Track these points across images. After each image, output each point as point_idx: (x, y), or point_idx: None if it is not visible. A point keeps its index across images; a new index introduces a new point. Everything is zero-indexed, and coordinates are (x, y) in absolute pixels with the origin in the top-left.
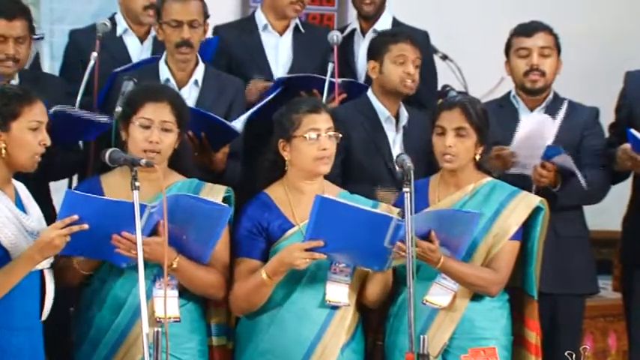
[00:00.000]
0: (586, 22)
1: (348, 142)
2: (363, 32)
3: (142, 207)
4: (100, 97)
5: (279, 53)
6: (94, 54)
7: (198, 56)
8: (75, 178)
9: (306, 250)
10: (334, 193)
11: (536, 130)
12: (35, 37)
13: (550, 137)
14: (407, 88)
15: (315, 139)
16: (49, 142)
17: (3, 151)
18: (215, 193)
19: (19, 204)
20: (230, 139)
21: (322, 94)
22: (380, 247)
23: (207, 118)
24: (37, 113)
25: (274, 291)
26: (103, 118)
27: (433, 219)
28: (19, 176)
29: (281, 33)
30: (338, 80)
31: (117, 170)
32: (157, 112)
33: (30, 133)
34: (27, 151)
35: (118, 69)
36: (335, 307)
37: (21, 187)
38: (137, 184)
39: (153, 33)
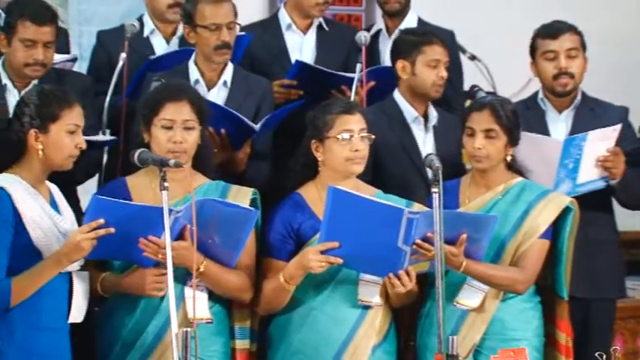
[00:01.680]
0: (608, 18)
1: (375, 146)
2: (389, 32)
3: (168, 211)
4: (130, 86)
5: (302, 52)
6: (123, 55)
7: None
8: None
9: (322, 252)
10: (370, 193)
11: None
12: (69, 58)
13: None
14: (437, 92)
15: (348, 140)
16: (84, 146)
17: (40, 152)
18: (242, 196)
19: (54, 204)
20: (248, 136)
21: (350, 90)
22: (394, 246)
23: (224, 112)
24: (75, 117)
25: (306, 291)
26: (108, 138)
27: (451, 221)
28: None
29: (305, 32)
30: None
31: (142, 171)
32: (178, 112)
33: (67, 136)
34: (63, 154)
35: (153, 56)
36: (367, 308)
37: (55, 189)
38: (166, 184)
39: (179, 33)
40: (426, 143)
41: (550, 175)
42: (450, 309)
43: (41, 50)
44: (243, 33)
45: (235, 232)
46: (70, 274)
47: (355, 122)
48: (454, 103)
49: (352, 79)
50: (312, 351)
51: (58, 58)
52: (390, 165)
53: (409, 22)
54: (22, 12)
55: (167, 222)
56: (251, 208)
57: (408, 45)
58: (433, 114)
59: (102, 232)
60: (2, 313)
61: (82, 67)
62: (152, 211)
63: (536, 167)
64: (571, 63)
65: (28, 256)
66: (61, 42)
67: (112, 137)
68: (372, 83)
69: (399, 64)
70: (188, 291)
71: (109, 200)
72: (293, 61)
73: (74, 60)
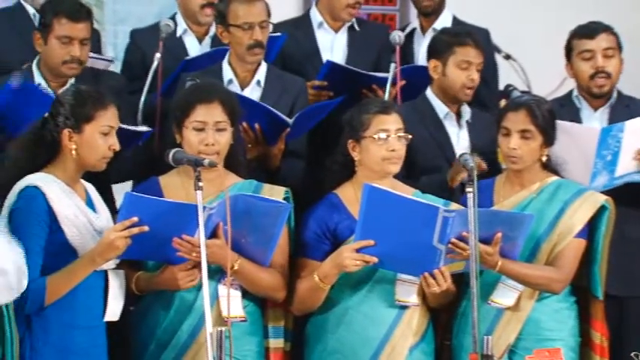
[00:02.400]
0: None
1: (409, 144)
2: (423, 31)
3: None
4: (164, 86)
5: (334, 51)
6: (158, 55)
7: None
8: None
9: (357, 251)
10: (407, 193)
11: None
12: (106, 58)
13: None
14: (466, 95)
15: (385, 140)
16: (118, 147)
17: (73, 152)
18: (275, 195)
19: (90, 203)
20: (282, 130)
21: (381, 89)
22: (429, 245)
23: (257, 107)
24: (109, 118)
25: (343, 291)
26: (144, 128)
27: (486, 219)
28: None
29: (336, 31)
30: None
31: (174, 171)
32: (210, 114)
33: (101, 137)
34: (96, 154)
35: (188, 57)
36: (404, 307)
37: (91, 187)
38: (201, 184)
39: (211, 33)
40: (460, 139)
41: (586, 165)
42: (485, 308)
43: (77, 47)
44: (277, 34)
45: (268, 227)
46: (105, 272)
47: (392, 122)
48: (489, 102)
49: (383, 78)
50: (349, 351)
51: (94, 60)
52: (424, 162)
53: (444, 21)
54: (58, 9)
55: (202, 221)
56: (283, 202)
57: (442, 45)
58: (466, 110)
59: (135, 230)
60: (37, 312)
61: (117, 67)
62: (185, 208)
63: (571, 157)
64: (607, 63)
65: (64, 254)
66: (94, 43)
67: (148, 129)
68: (403, 82)
69: (432, 63)
70: (222, 289)
71: (142, 197)
72: (324, 60)
73: (111, 61)
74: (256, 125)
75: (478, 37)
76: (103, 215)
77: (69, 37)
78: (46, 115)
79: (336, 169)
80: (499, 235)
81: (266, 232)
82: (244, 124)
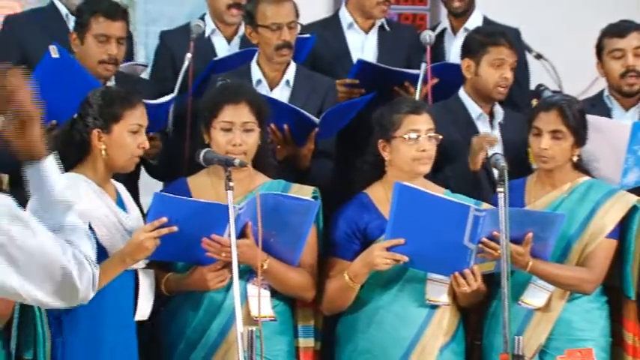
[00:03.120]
0: None
1: (440, 144)
2: (454, 31)
3: (228, 209)
4: (194, 86)
5: (364, 52)
6: (188, 55)
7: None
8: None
9: (388, 249)
10: (438, 192)
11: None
12: (140, 64)
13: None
14: (500, 94)
15: (415, 140)
16: (147, 145)
17: (103, 152)
18: (303, 194)
19: (120, 203)
20: (310, 130)
21: (413, 86)
22: (459, 244)
23: (284, 108)
24: (138, 116)
25: (374, 291)
26: (167, 98)
27: (517, 219)
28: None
29: (366, 31)
30: (432, 81)
31: (203, 171)
32: (237, 114)
33: (130, 136)
34: (126, 153)
35: (218, 58)
36: (434, 307)
37: (121, 187)
38: (231, 184)
39: (240, 33)
40: None
41: (617, 161)
42: (515, 309)
43: (114, 45)
44: (307, 35)
45: (297, 225)
46: (136, 271)
47: (422, 122)
48: (520, 102)
49: (415, 75)
50: (379, 351)
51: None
52: (455, 163)
53: (474, 20)
54: (95, 8)
55: (232, 221)
56: (312, 199)
57: (475, 44)
58: (499, 111)
59: (165, 230)
60: (67, 311)
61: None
62: (214, 207)
63: (602, 153)
64: (638, 61)
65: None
66: (127, 45)
67: (171, 96)
68: (436, 80)
69: (465, 62)
70: (251, 289)
71: (171, 197)
72: (354, 61)
73: (145, 66)
74: (285, 126)
75: (511, 37)
76: (133, 215)
77: (106, 35)
78: (75, 115)
79: (366, 169)
80: (530, 235)
81: (294, 230)
82: (272, 125)
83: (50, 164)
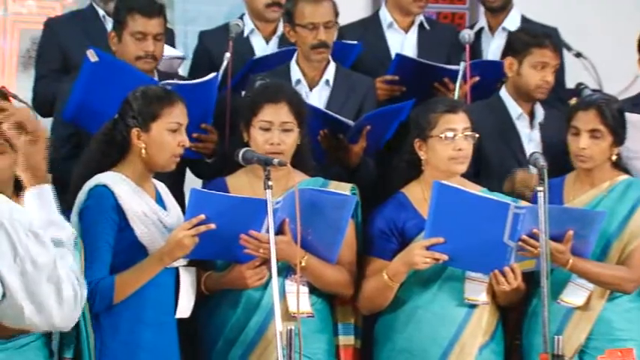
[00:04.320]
0: None
1: (478, 143)
2: (491, 29)
3: (265, 204)
4: (233, 84)
5: (404, 51)
6: (227, 54)
7: (329, 56)
8: None
9: (427, 248)
10: (476, 190)
11: None
12: (178, 56)
13: None
14: (541, 95)
15: (452, 139)
16: (187, 144)
17: (143, 150)
18: (341, 190)
19: (160, 201)
20: (361, 130)
21: (452, 83)
22: (499, 242)
23: (318, 112)
24: (177, 115)
25: (412, 290)
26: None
27: (557, 217)
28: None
29: (406, 30)
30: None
31: (241, 171)
32: (276, 114)
33: (169, 135)
34: (165, 152)
35: (257, 56)
36: (473, 306)
37: (161, 186)
38: (270, 183)
39: (278, 32)
40: (531, 140)
41: None
42: (555, 308)
43: (151, 42)
44: (354, 42)
45: (334, 221)
46: (176, 269)
47: (459, 121)
48: (555, 100)
49: (454, 71)
50: (418, 350)
51: (166, 53)
52: (495, 162)
53: (512, 19)
54: (131, 6)
55: (271, 220)
56: (348, 194)
57: (519, 43)
58: (540, 111)
59: (203, 228)
60: (105, 310)
61: (187, 66)
62: (251, 202)
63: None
64: None
65: (133, 252)
66: (168, 42)
67: (215, 74)
68: (477, 78)
69: (508, 60)
70: (289, 286)
71: (208, 193)
72: None
73: (182, 58)
74: (323, 131)
75: (556, 39)
76: (173, 213)
77: (142, 32)
78: (116, 115)
79: (403, 168)
80: (571, 232)
81: (332, 226)
82: (324, 131)
83: (50, 187)
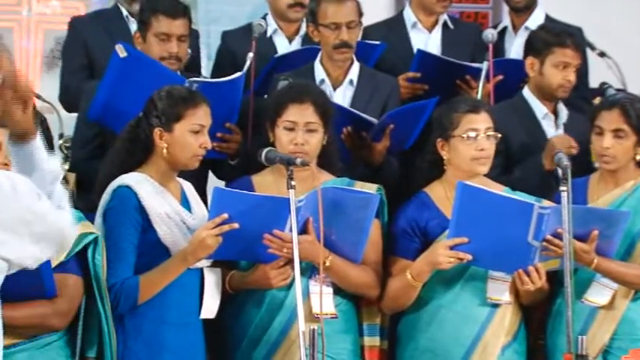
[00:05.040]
0: None
1: (505, 144)
2: (515, 29)
3: (289, 202)
4: (256, 84)
5: (428, 50)
6: (250, 54)
7: (353, 56)
8: None
9: (451, 248)
10: (498, 190)
11: None
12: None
13: None
14: (564, 93)
15: (474, 139)
16: (209, 146)
17: (164, 150)
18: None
19: (185, 202)
20: (385, 128)
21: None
22: (523, 242)
23: (343, 111)
24: (200, 116)
25: (435, 290)
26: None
27: (581, 216)
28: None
29: (430, 30)
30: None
31: (267, 170)
32: (301, 114)
33: (191, 136)
34: (187, 153)
35: (279, 54)
36: (496, 306)
37: (187, 186)
38: (293, 183)
39: (301, 32)
40: None
41: None
42: (579, 307)
43: (175, 43)
44: (377, 42)
45: (358, 220)
46: (201, 270)
47: (481, 121)
48: (579, 102)
49: (476, 68)
50: (441, 349)
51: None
52: (521, 160)
53: (536, 18)
54: (156, 7)
55: (294, 219)
56: (372, 193)
57: (540, 43)
58: (563, 111)
59: (226, 227)
60: (129, 310)
61: (209, 67)
62: (274, 201)
63: None
64: None
65: (156, 253)
66: (192, 42)
67: (240, 73)
68: (500, 77)
69: (529, 60)
70: (312, 286)
71: (230, 191)
72: None
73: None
74: (347, 128)
75: (578, 38)
76: (198, 214)
77: (167, 34)
78: (141, 114)
79: (426, 168)
80: (595, 232)
81: (356, 225)
82: (348, 129)
83: (39, 141)
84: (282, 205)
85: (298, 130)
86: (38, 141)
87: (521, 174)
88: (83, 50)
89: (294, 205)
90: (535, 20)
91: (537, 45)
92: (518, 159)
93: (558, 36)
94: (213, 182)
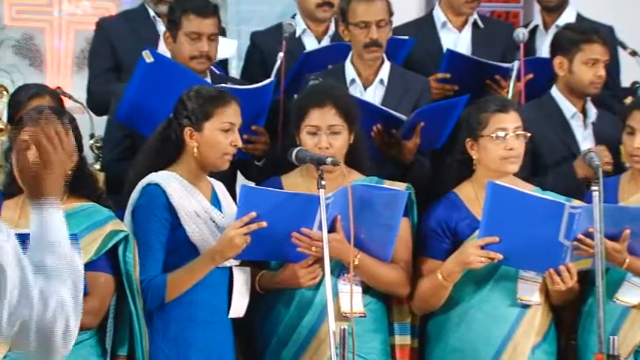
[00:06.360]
0: None
1: (534, 143)
2: (546, 28)
3: (317, 199)
4: (286, 82)
5: (458, 50)
6: (280, 54)
7: (384, 55)
8: None
9: (482, 247)
10: (528, 190)
11: None
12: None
13: None
14: (595, 90)
15: (503, 139)
16: (240, 144)
17: (195, 150)
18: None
19: (216, 201)
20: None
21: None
22: (554, 241)
23: (369, 108)
24: (230, 114)
25: (464, 290)
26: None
27: (613, 216)
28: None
29: (460, 29)
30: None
31: (297, 170)
32: (323, 118)
33: (221, 134)
34: (217, 151)
35: (308, 50)
36: (526, 306)
37: (218, 185)
38: (323, 182)
39: (330, 32)
40: (585, 139)
41: None
42: (610, 307)
43: (206, 42)
44: (405, 37)
45: (386, 218)
46: (230, 269)
47: (510, 120)
48: (610, 100)
49: (505, 68)
50: (470, 349)
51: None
52: (551, 162)
53: (567, 17)
54: (186, 6)
55: (324, 219)
56: (400, 190)
57: (567, 41)
58: (592, 110)
59: (254, 226)
60: (157, 308)
61: (239, 67)
62: (302, 198)
63: None
64: None
65: (185, 251)
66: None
67: (269, 80)
68: (530, 76)
69: (557, 59)
70: (341, 285)
71: (258, 189)
72: None
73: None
74: (376, 126)
75: (605, 34)
76: (228, 214)
77: (197, 33)
78: (171, 114)
79: (455, 168)
80: (627, 231)
81: (384, 224)
82: (378, 127)
83: (54, 210)
84: (310, 203)
85: (322, 134)
86: (52, 210)
87: (553, 180)
88: (109, 52)
89: (324, 203)
90: (566, 19)
91: (564, 44)
92: (547, 158)
93: (585, 33)
94: (242, 183)
